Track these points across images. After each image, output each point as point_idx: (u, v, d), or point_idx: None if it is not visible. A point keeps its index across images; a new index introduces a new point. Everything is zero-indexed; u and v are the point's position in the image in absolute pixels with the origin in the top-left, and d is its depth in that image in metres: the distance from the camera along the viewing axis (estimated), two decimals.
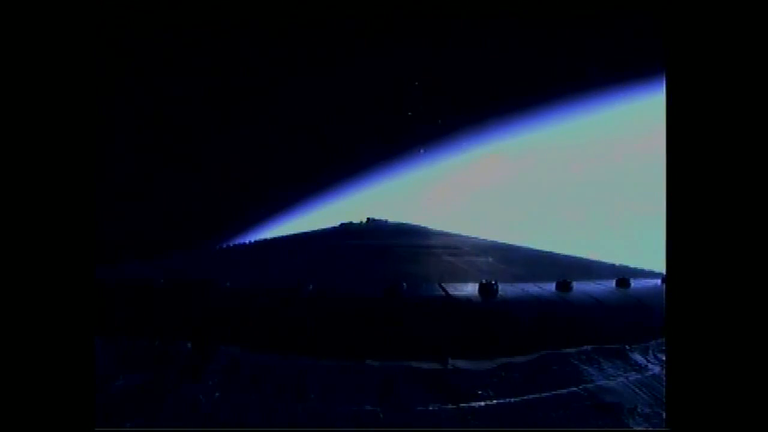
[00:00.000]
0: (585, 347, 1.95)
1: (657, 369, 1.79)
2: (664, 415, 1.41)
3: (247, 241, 8.22)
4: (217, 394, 1.52)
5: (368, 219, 13.01)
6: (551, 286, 2.75)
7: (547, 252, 5.66)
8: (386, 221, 12.62)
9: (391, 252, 5.29)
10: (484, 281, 2.56)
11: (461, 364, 1.79)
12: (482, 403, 1.49)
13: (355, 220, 12.64)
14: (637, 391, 1.60)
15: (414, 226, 10.98)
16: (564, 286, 2.71)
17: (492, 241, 7.04)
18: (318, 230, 10.37)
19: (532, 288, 2.76)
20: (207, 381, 1.61)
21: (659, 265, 3.50)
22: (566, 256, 5.27)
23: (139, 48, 12.74)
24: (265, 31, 13.62)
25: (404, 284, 2.54)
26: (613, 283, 3.00)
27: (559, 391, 1.58)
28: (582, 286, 2.82)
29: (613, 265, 4.42)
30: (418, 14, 13.35)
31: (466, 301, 2.46)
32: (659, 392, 1.57)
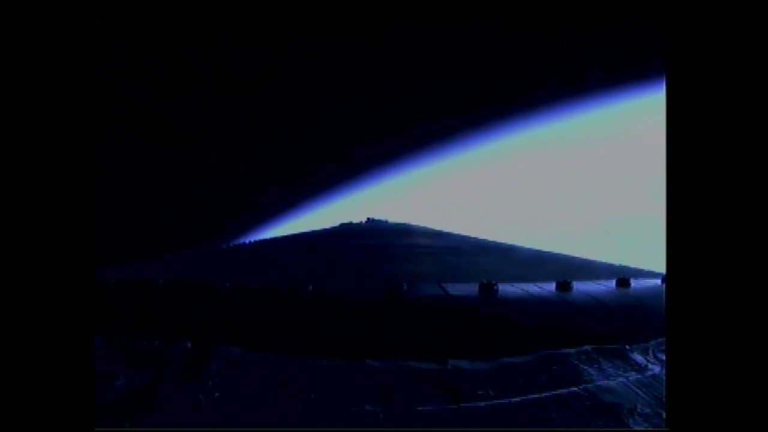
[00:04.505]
0: (585, 347, 1.95)
1: (657, 369, 1.79)
2: (664, 415, 1.41)
3: (247, 242, 8.22)
4: (217, 394, 1.52)
5: (368, 219, 13.00)
6: (551, 286, 2.76)
7: (547, 252, 5.66)
8: (386, 221, 12.62)
9: (391, 252, 5.29)
10: (484, 281, 2.56)
11: (461, 364, 1.79)
12: (482, 403, 1.49)
13: (355, 220, 12.64)
14: (637, 391, 1.60)
15: (414, 226, 10.97)
16: (564, 286, 2.71)
17: (492, 241, 7.03)
18: (318, 230, 10.37)
19: (532, 288, 2.76)
20: (207, 381, 1.61)
21: (659, 265, 3.50)
22: (566, 256, 5.27)
23: (138, 47, 12.74)
24: (265, 30, 13.63)
25: (404, 284, 2.54)
26: (613, 283, 3.00)
27: (559, 391, 1.58)
28: (582, 286, 2.82)
29: (613, 265, 4.42)
30: (418, 14, 13.36)
31: (466, 301, 2.46)
32: (659, 392, 1.57)
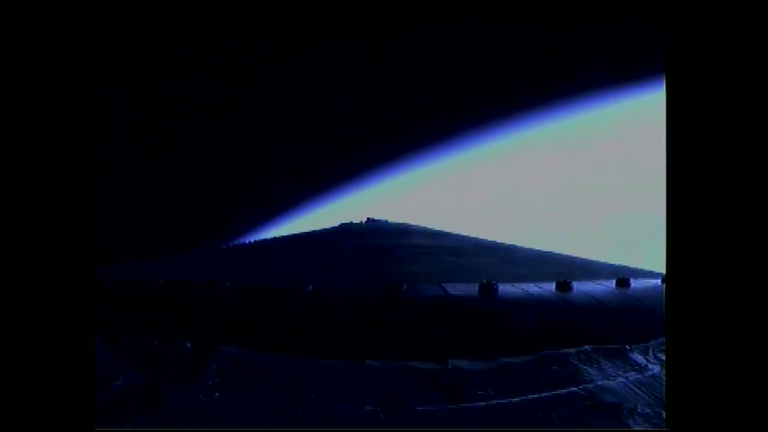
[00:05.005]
0: (585, 347, 1.95)
1: (657, 369, 1.79)
2: (664, 415, 1.41)
3: (247, 242, 8.22)
4: (216, 394, 1.52)
5: (368, 219, 13.01)
6: (551, 286, 2.75)
7: (547, 252, 5.66)
8: (386, 221, 12.62)
9: (391, 252, 5.29)
10: (484, 281, 2.56)
11: (461, 364, 1.79)
12: (482, 403, 1.49)
13: (355, 220, 12.64)
14: (637, 391, 1.60)
15: (414, 226, 10.97)
16: (564, 286, 2.71)
17: (492, 241, 7.03)
18: (318, 230, 10.37)
19: (532, 288, 2.76)
20: (207, 381, 1.61)
21: (659, 265, 3.50)
22: (566, 256, 5.26)
23: (138, 47, 12.76)
24: (265, 31, 13.65)
25: (404, 284, 2.54)
26: (613, 283, 3.00)
27: (559, 391, 1.58)
28: (582, 286, 2.82)
29: (613, 265, 4.42)
30: (418, 14, 13.37)
31: (466, 301, 2.46)
32: (659, 392, 1.57)
